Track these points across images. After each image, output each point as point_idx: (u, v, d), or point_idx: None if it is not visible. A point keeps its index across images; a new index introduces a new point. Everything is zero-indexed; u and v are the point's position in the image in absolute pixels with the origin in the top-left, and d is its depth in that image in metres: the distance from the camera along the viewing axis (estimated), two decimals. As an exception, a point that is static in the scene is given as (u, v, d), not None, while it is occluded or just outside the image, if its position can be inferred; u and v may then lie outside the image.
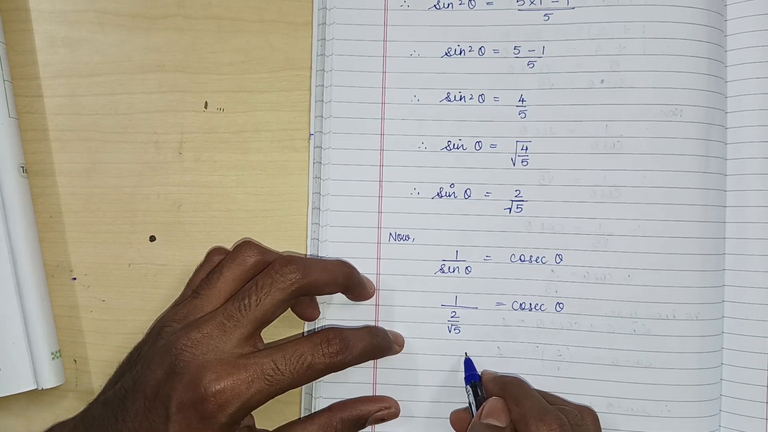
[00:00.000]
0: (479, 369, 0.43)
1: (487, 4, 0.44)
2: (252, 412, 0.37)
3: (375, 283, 0.43)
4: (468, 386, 0.41)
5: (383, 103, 0.44)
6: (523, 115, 0.43)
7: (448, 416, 0.43)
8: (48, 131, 0.45)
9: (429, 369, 0.43)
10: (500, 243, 0.43)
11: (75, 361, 0.45)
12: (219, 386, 0.35)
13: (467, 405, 0.42)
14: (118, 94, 0.45)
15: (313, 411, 0.43)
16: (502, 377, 0.42)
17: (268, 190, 0.45)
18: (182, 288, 0.42)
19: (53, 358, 0.42)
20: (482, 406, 0.39)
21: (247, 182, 0.45)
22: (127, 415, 0.36)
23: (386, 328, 0.43)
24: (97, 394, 0.40)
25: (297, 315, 0.42)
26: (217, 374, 0.35)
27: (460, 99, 0.44)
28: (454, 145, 0.44)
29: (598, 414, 0.40)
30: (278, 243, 0.44)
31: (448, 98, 0.44)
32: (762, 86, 0.42)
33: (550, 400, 0.41)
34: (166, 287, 0.45)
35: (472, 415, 0.40)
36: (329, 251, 0.43)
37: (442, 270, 0.43)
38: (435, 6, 0.44)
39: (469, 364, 0.42)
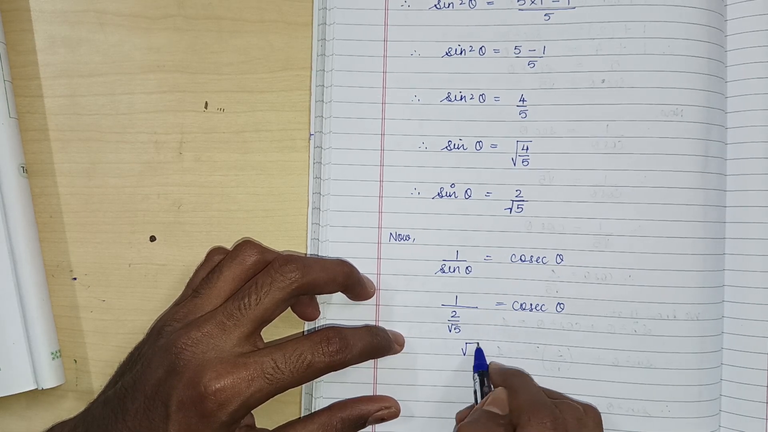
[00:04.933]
0: (479, 369, 0.43)
1: (488, 3, 0.44)
2: (252, 412, 0.37)
3: (375, 283, 0.43)
4: (476, 374, 0.42)
5: (384, 103, 0.44)
6: (523, 115, 0.43)
7: (449, 415, 0.42)
8: (48, 131, 0.45)
9: (429, 369, 0.43)
10: (501, 243, 0.43)
11: (75, 361, 0.45)
12: (219, 385, 0.35)
13: (473, 393, 0.42)
14: (118, 94, 0.45)
15: (313, 411, 0.43)
16: (506, 369, 0.42)
17: (268, 190, 0.45)
18: (182, 288, 0.42)
19: (53, 358, 0.42)
20: (487, 396, 0.39)
21: (247, 182, 0.45)
22: (127, 414, 0.36)
23: (386, 327, 0.43)
24: (97, 394, 0.40)
25: (297, 315, 0.42)
26: (217, 373, 0.35)
27: (461, 99, 0.44)
28: (454, 145, 0.43)
29: (598, 414, 0.40)
30: (278, 243, 0.44)
31: (448, 98, 0.44)
32: (763, 86, 0.42)
33: (553, 395, 0.41)
34: (166, 287, 0.45)
35: (476, 403, 0.41)
36: (329, 251, 0.43)
37: (442, 270, 0.43)
38: (435, 6, 0.44)
39: (479, 353, 0.42)
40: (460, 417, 0.42)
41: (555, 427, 0.36)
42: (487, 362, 0.43)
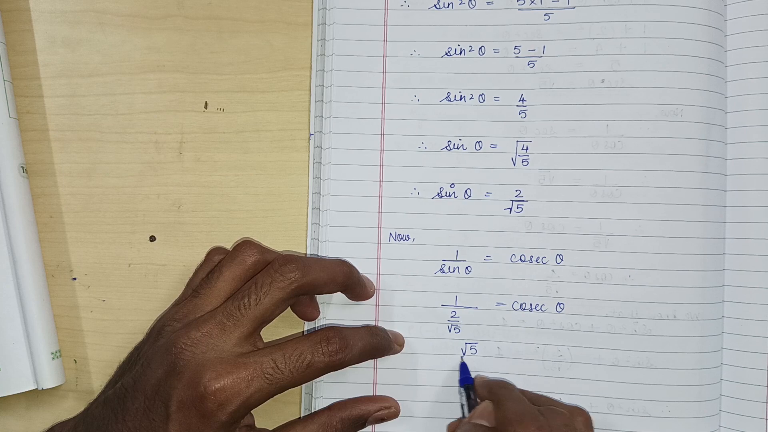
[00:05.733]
0: (479, 369, 0.43)
1: (488, 3, 0.44)
2: (252, 412, 0.37)
3: (375, 283, 0.43)
4: (462, 389, 0.42)
5: (383, 103, 0.44)
6: (523, 114, 0.43)
7: (448, 416, 0.43)
8: (48, 131, 0.45)
9: (429, 369, 0.43)
10: (500, 243, 0.43)
11: (75, 361, 0.45)
12: (219, 384, 0.35)
13: (460, 407, 0.42)
14: (118, 94, 0.45)
15: (313, 411, 0.43)
16: (491, 381, 0.42)
17: (268, 190, 0.45)
18: (182, 288, 0.42)
19: (53, 358, 0.42)
20: (474, 410, 0.39)
21: (247, 182, 0.45)
22: (127, 414, 0.36)
23: (386, 327, 0.43)
24: (97, 394, 0.40)
25: (297, 315, 0.42)
26: (216, 373, 0.35)
27: (461, 99, 0.44)
28: (454, 145, 0.43)
29: (598, 415, 0.40)
30: (278, 243, 0.44)
31: (448, 98, 0.44)
32: (762, 86, 0.42)
33: (540, 401, 0.41)
34: (166, 287, 0.45)
35: (464, 416, 0.41)
36: (329, 251, 0.43)
37: (442, 270, 0.43)
38: (435, 6, 0.44)
39: (464, 368, 0.43)
40: (452, 429, 0.42)
41: None
42: (472, 376, 0.43)
